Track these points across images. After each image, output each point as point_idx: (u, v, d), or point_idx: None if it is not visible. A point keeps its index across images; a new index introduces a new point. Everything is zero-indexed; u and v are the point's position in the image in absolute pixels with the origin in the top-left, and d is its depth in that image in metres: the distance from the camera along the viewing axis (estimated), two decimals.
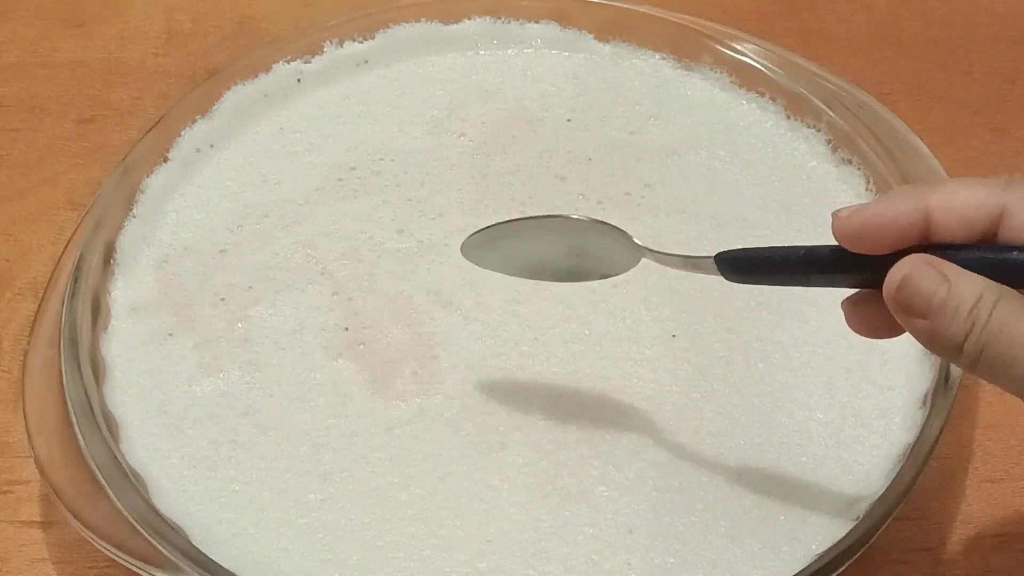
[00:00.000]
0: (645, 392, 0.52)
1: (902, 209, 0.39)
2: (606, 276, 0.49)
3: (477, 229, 0.49)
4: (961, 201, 0.38)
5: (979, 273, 0.38)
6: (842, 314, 0.42)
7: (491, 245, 0.49)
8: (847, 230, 0.40)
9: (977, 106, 0.70)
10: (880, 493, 0.47)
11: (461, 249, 0.50)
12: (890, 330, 0.41)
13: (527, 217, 0.49)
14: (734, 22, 0.69)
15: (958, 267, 0.38)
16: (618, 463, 0.50)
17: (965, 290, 0.38)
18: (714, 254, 0.44)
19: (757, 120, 0.64)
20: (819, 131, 0.62)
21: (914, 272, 0.38)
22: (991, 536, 0.51)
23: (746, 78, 0.65)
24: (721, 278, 0.44)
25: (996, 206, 0.38)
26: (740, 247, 0.44)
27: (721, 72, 0.65)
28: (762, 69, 0.64)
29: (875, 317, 0.41)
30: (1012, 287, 0.38)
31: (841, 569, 0.45)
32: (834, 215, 0.40)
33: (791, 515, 0.48)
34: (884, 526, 0.46)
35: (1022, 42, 0.74)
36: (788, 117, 0.64)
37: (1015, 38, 0.75)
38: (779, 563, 0.46)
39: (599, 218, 0.48)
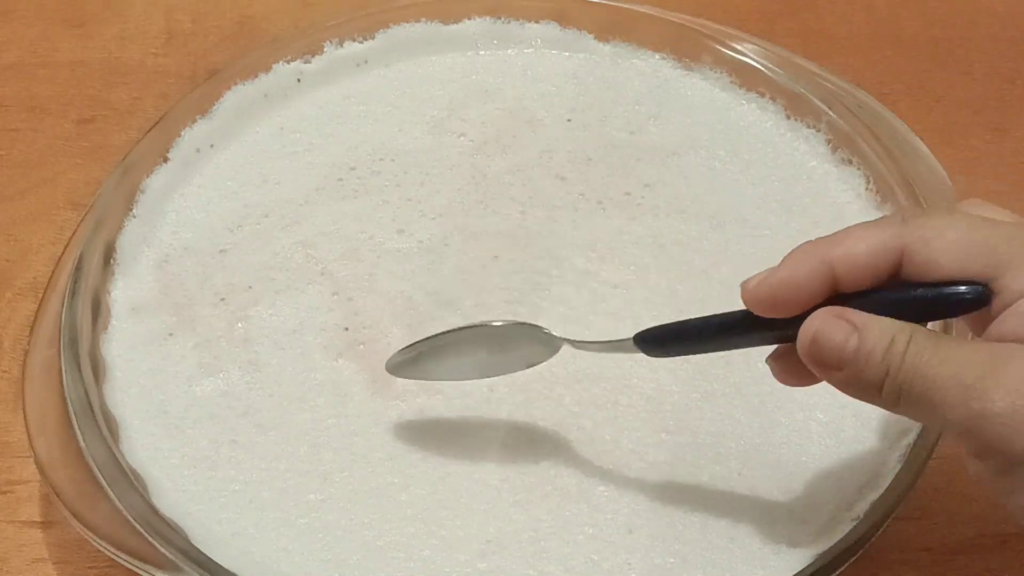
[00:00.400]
0: (645, 392, 0.52)
1: (807, 270, 0.40)
2: (529, 366, 0.49)
3: (399, 350, 0.49)
4: (862, 251, 0.39)
5: (889, 315, 0.39)
6: None
7: (416, 361, 0.50)
8: (757, 299, 0.41)
9: (977, 106, 0.70)
10: (880, 493, 0.47)
11: (386, 367, 0.50)
12: (814, 378, 0.42)
13: (447, 332, 0.49)
14: (734, 22, 0.69)
15: (867, 314, 0.39)
16: (618, 463, 0.50)
17: (876, 335, 0.38)
18: (632, 336, 0.45)
19: (757, 120, 0.64)
20: (819, 131, 0.62)
21: (823, 326, 0.39)
22: (991, 536, 0.51)
23: (746, 78, 0.65)
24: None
25: (896, 248, 0.39)
26: (653, 326, 0.45)
27: (721, 72, 0.66)
28: (762, 69, 0.64)
29: (799, 367, 0.42)
30: (922, 322, 0.39)
31: (841, 569, 0.45)
32: (742, 286, 0.41)
33: (791, 515, 0.48)
34: (884, 526, 0.46)
35: (1022, 42, 0.74)
36: (788, 117, 0.64)
37: (1015, 38, 0.75)
38: (779, 563, 0.46)
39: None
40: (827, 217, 0.59)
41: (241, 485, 0.49)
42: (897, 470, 0.47)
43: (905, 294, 0.39)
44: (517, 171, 0.62)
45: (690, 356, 0.53)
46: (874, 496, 0.47)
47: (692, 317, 0.44)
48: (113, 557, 0.46)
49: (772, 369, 0.43)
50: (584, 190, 0.61)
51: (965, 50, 0.74)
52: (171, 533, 0.46)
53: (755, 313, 0.41)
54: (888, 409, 0.39)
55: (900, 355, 0.38)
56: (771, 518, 0.48)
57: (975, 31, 0.75)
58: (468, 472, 0.49)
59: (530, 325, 0.49)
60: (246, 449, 0.50)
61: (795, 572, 0.45)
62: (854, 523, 0.46)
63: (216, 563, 0.45)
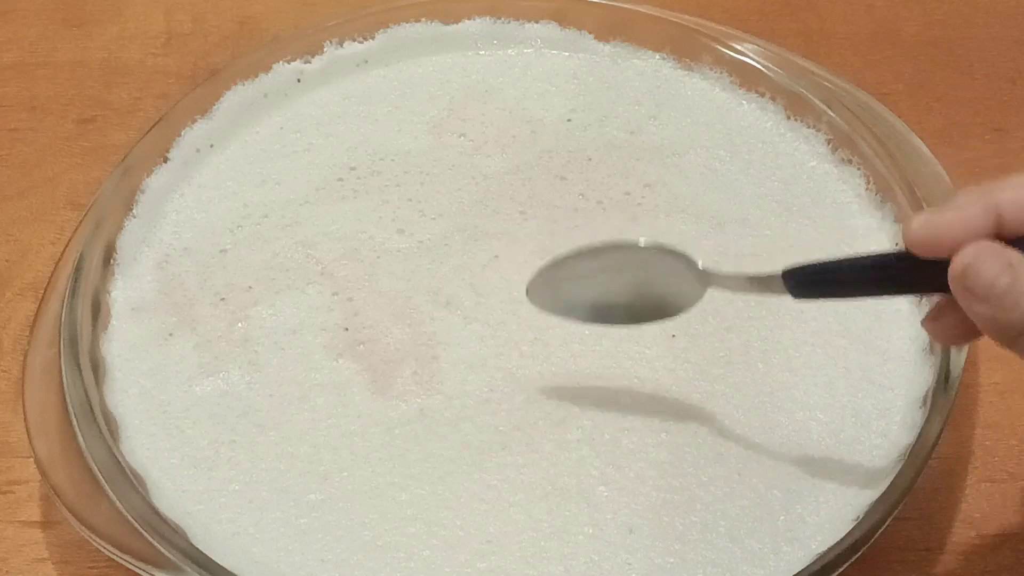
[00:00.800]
0: (645, 392, 0.52)
1: (972, 212, 0.39)
2: (674, 314, 0.48)
3: (539, 269, 0.49)
4: None
5: None
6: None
7: (555, 288, 0.48)
8: (920, 238, 0.40)
9: (977, 106, 0.70)
10: (880, 493, 0.47)
11: (527, 293, 0.49)
12: (970, 335, 0.41)
13: (591, 248, 0.47)
14: (734, 22, 0.69)
15: None
16: (618, 463, 0.50)
17: None
18: (780, 271, 0.44)
19: (757, 120, 0.64)
20: (819, 131, 0.62)
21: (980, 255, 0.38)
22: (991, 536, 0.51)
23: (746, 78, 0.65)
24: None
25: None
26: (804, 262, 0.43)
27: (721, 72, 0.66)
28: (762, 69, 0.64)
29: (959, 325, 0.41)
30: None
31: (841, 569, 0.45)
32: (905, 225, 0.40)
33: (791, 515, 0.48)
34: (884, 526, 0.46)
35: (1022, 42, 0.74)
36: (788, 117, 0.64)
37: (1015, 38, 0.75)
38: (779, 563, 0.46)
39: (657, 240, 0.48)
40: (827, 217, 0.59)
41: (241, 485, 0.49)
42: (897, 470, 0.47)
43: None
44: (517, 171, 0.62)
45: (689, 357, 0.53)
46: (874, 496, 0.47)
47: (844, 257, 0.43)
48: (113, 557, 0.46)
49: (930, 330, 0.42)
50: (584, 190, 0.61)
51: (965, 50, 0.74)
52: (171, 533, 0.46)
53: (914, 253, 0.40)
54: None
55: None
56: (771, 518, 0.48)
57: (975, 31, 0.75)
58: (468, 472, 0.49)
59: (679, 254, 0.47)
60: (246, 449, 0.50)
61: (795, 572, 0.45)
62: (854, 523, 0.46)
63: (216, 563, 0.45)
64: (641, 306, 0.48)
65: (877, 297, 0.43)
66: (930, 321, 0.43)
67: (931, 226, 0.39)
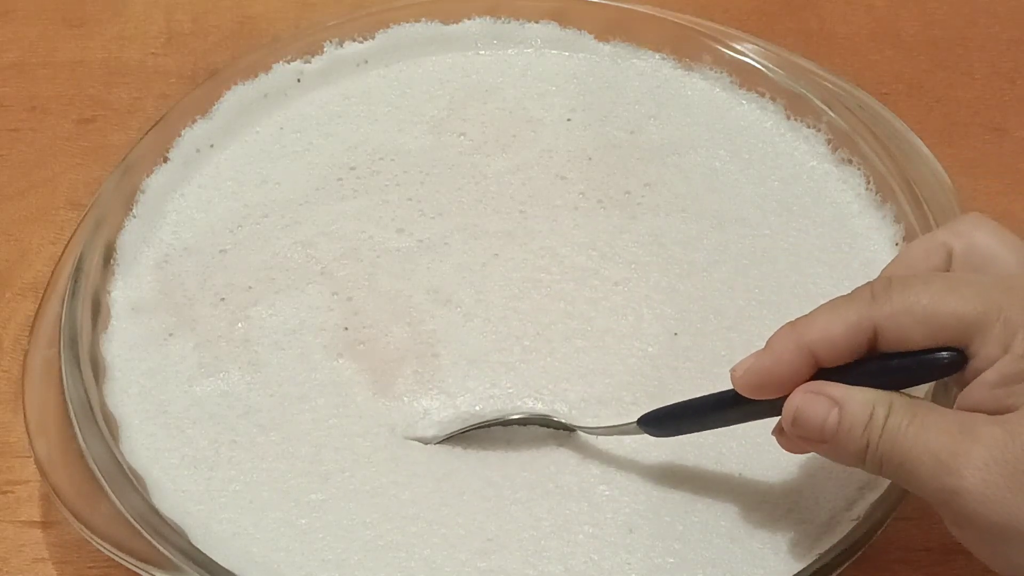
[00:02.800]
0: (647, 390, 0.52)
1: (787, 357, 0.41)
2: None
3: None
4: (837, 333, 0.41)
5: (870, 385, 0.40)
6: None
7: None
8: (746, 385, 0.43)
9: (977, 106, 0.70)
10: (880, 493, 0.47)
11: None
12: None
13: (466, 429, 0.50)
14: (734, 22, 0.69)
15: (847, 387, 0.41)
16: (618, 463, 0.50)
17: (855, 409, 0.40)
18: (636, 420, 0.47)
19: (757, 120, 0.64)
20: (819, 131, 0.62)
21: (803, 404, 0.41)
22: None
23: (746, 78, 0.65)
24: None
25: (868, 327, 0.40)
26: (655, 409, 0.47)
27: (721, 72, 0.66)
28: (762, 69, 0.64)
29: (802, 443, 0.43)
30: (902, 388, 0.41)
31: (841, 569, 0.45)
32: (731, 373, 0.43)
33: (791, 515, 0.48)
34: (884, 526, 0.46)
35: (1022, 42, 0.74)
36: (788, 117, 0.64)
37: (1015, 38, 0.75)
38: (779, 563, 0.46)
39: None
40: (827, 217, 0.59)
41: (241, 485, 0.49)
42: None
43: (883, 364, 0.41)
44: (517, 171, 0.62)
45: (691, 355, 0.53)
46: (874, 496, 0.47)
47: (688, 399, 0.46)
48: (113, 557, 0.46)
49: (778, 441, 0.44)
50: (584, 189, 0.61)
51: (965, 50, 0.74)
52: (171, 533, 0.46)
53: (744, 395, 0.43)
54: (874, 474, 0.41)
55: (879, 428, 0.40)
56: (771, 518, 0.48)
57: (975, 31, 0.75)
58: (469, 471, 0.49)
59: (541, 417, 0.50)
60: (246, 449, 0.50)
61: (795, 572, 0.45)
62: (854, 523, 0.46)
63: (216, 563, 0.45)
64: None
65: (726, 426, 0.47)
66: (776, 433, 0.44)
67: (752, 375, 0.42)
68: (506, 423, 0.50)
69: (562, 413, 0.51)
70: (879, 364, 0.41)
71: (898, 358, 0.40)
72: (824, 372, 0.42)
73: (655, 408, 0.47)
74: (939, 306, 0.39)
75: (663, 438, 0.48)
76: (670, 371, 0.52)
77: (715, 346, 0.53)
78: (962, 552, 0.50)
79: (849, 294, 0.42)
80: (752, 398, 0.43)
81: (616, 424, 0.49)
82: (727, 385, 0.52)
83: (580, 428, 0.50)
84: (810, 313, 0.42)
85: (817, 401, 0.41)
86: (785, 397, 0.42)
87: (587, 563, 0.47)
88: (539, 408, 0.51)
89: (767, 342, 0.42)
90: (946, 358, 0.39)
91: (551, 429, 0.51)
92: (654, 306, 0.55)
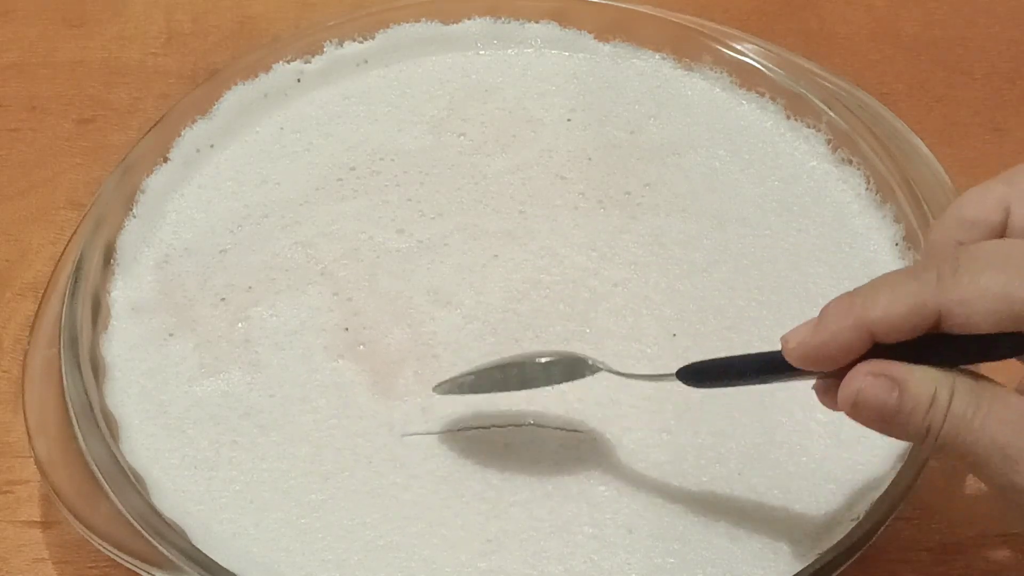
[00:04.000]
0: (646, 392, 0.52)
1: (845, 335, 0.39)
2: (568, 380, 0.49)
3: (446, 380, 0.49)
4: (899, 313, 0.39)
5: (931, 362, 0.39)
6: None
7: (460, 388, 0.49)
8: (797, 359, 0.41)
9: (977, 106, 0.70)
10: (880, 493, 0.47)
11: (433, 390, 0.50)
12: None
13: (493, 365, 0.49)
14: (734, 22, 0.69)
15: (908, 366, 0.39)
16: (618, 463, 0.50)
17: (917, 391, 0.38)
18: (675, 371, 0.45)
19: (757, 120, 0.64)
20: (819, 131, 0.62)
21: (864, 387, 0.39)
22: (991, 536, 0.51)
23: (746, 78, 0.65)
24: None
25: (933, 309, 0.38)
26: (696, 362, 0.45)
27: (721, 72, 0.66)
28: (762, 69, 0.64)
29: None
30: (967, 364, 0.39)
31: (841, 569, 0.45)
32: (782, 343, 0.41)
33: (791, 515, 0.48)
34: (884, 526, 0.46)
35: (1022, 42, 0.74)
36: (788, 117, 0.64)
37: (1015, 38, 0.75)
38: (779, 563, 0.46)
39: (584, 343, 0.50)
40: (827, 217, 0.59)
41: (242, 486, 0.49)
42: (897, 470, 0.47)
43: (946, 344, 0.39)
44: (517, 171, 0.62)
45: (690, 356, 0.53)
46: (874, 496, 0.47)
47: (735, 354, 0.44)
48: (113, 557, 0.46)
49: (819, 398, 0.43)
50: (584, 189, 0.61)
51: (965, 50, 0.74)
52: (171, 533, 0.46)
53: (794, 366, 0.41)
54: (935, 454, 0.40)
55: (942, 413, 0.38)
56: (771, 518, 0.48)
57: (975, 31, 0.75)
58: (469, 472, 0.49)
59: (576, 356, 0.48)
60: (247, 450, 0.50)
61: (795, 572, 0.45)
62: (854, 523, 0.46)
63: (216, 563, 0.45)
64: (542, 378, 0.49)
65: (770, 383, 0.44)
66: (821, 392, 0.43)
67: (806, 349, 0.40)
68: (537, 363, 0.48)
69: (591, 356, 0.48)
70: (942, 344, 0.39)
71: (963, 340, 0.38)
72: (881, 348, 0.39)
73: (695, 363, 0.45)
74: (1014, 292, 0.37)
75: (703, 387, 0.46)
76: (668, 371, 0.52)
77: (714, 346, 0.53)
78: (962, 552, 0.51)
79: (911, 271, 0.40)
80: (802, 368, 0.41)
81: (650, 374, 0.47)
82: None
83: (609, 371, 0.48)
84: (869, 288, 0.40)
85: (878, 383, 0.39)
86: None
87: (587, 563, 0.47)
88: (529, 410, 0.51)
89: (821, 314, 0.40)
90: (1011, 345, 0.38)
91: (550, 429, 0.50)
92: (653, 307, 0.55)
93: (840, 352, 0.40)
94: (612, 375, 0.48)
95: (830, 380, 0.42)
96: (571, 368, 0.48)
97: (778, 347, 0.41)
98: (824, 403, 0.43)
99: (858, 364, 0.40)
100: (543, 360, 0.48)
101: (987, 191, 0.42)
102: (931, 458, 0.41)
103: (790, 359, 0.41)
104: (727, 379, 0.45)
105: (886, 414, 0.39)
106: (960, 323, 0.38)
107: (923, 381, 0.38)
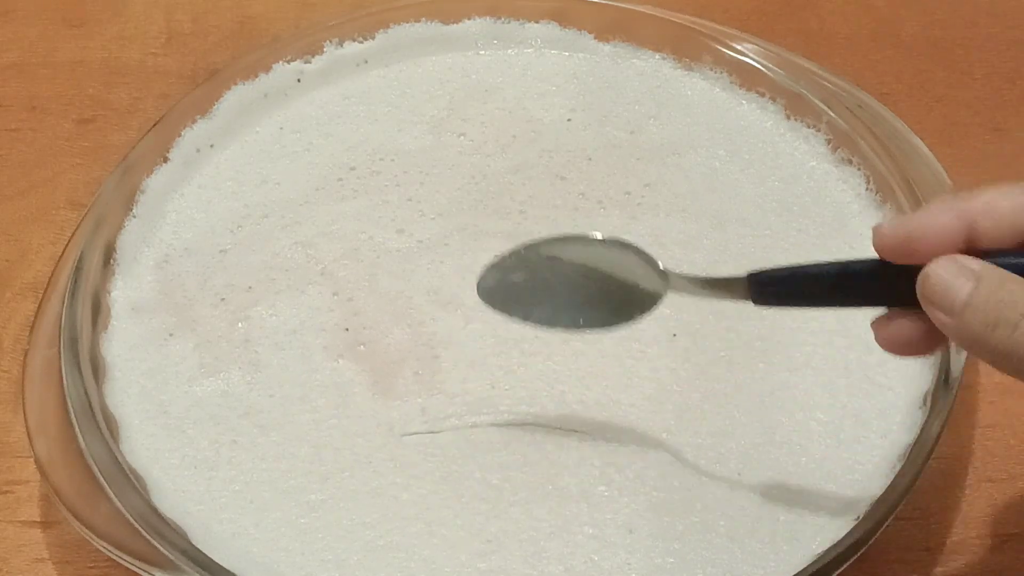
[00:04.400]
0: (646, 392, 0.52)
1: (944, 220, 0.38)
2: (632, 317, 0.46)
3: (489, 266, 0.46)
4: (1005, 207, 0.37)
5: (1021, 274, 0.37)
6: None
7: (509, 289, 0.46)
8: (890, 243, 0.39)
9: (977, 106, 0.70)
10: (880, 493, 0.47)
11: (478, 291, 0.46)
12: (920, 347, 0.40)
13: (547, 240, 0.45)
14: (734, 22, 0.69)
15: (992, 265, 0.37)
16: (618, 463, 0.50)
17: (992, 290, 0.37)
18: (745, 274, 0.42)
19: (757, 120, 0.64)
20: (819, 131, 0.62)
21: (941, 267, 0.38)
22: (991, 536, 0.51)
23: (746, 78, 0.65)
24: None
25: None
26: (769, 267, 0.42)
27: (721, 72, 0.66)
28: (762, 69, 0.64)
29: (906, 335, 0.40)
30: None
31: (841, 569, 0.45)
32: (875, 229, 0.39)
33: (791, 515, 0.48)
34: (884, 526, 0.46)
35: (1022, 42, 0.74)
36: (788, 117, 0.64)
37: (1015, 38, 0.75)
38: (779, 563, 0.46)
39: (615, 233, 0.45)
40: (827, 217, 0.59)
41: (242, 485, 0.49)
42: (897, 470, 0.47)
43: None
44: (517, 171, 0.62)
45: (690, 356, 0.53)
46: (874, 496, 0.47)
47: (810, 262, 0.41)
48: (113, 557, 0.46)
49: (877, 333, 0.41)
50: (584, 190, 0.61)
51: (965, 50, 0.74)
52: (171, 533, 0.46)
53: (883, 257, 0.39)
54: (992, 364, 0.38)
55: (1012, 324, 0.36)
56: (771, 518, 0.48)
57: (975, 31, 0.75)
58: (469, 472, 0.49)
59: (637, 250, 0.44)
60: (247, 450, 0.50)
61: (795, 572, 0.45)
62: (854, 523, 0.46)
63: (216, 563, 0.45)
64: (596, 307, 0.46)
65: (843, 308, 0.42)
66: (878, 324, 0.41)
67: (901, 229, 0.39)
68: (592, 248, 0.44)
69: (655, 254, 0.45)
70: None
71: None
72: (975, 252, 0.38)
73: (768, 268, 0.42)
74: None
75: (770, 305, 0.43)
76: (668, 372, 0.52)
77: (714, 346, 0.53)
78: (962, 552, 0.51)
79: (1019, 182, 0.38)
80: (891, 260, 0.39)
81: (717, 278, 0.44)
82: (724, 382, 0.52)
83: (672, 273, 0.45)
84: (974, 189, 0.38)
85: (957, 269, 0.37)
86: (913, 279, 0.38)
87: (587, 563, 0.47)
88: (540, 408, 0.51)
89: (923, 206, 0.39)
90: None
91: (550, 429, 0.50)
92: None
93: (935, 240, 0.38)
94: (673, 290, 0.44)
95: (893, 314, 0.40)
96: (628, 292, 0.44)
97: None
98: (883, 341, 0.41)
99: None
100: (599, 239, 0.44)
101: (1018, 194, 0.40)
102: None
103: (880, 244, 0.39)
104: (800, 291, 0.42)
105: (956, 303, 0.37)
106: None
107: (1002, 283, 0.37)
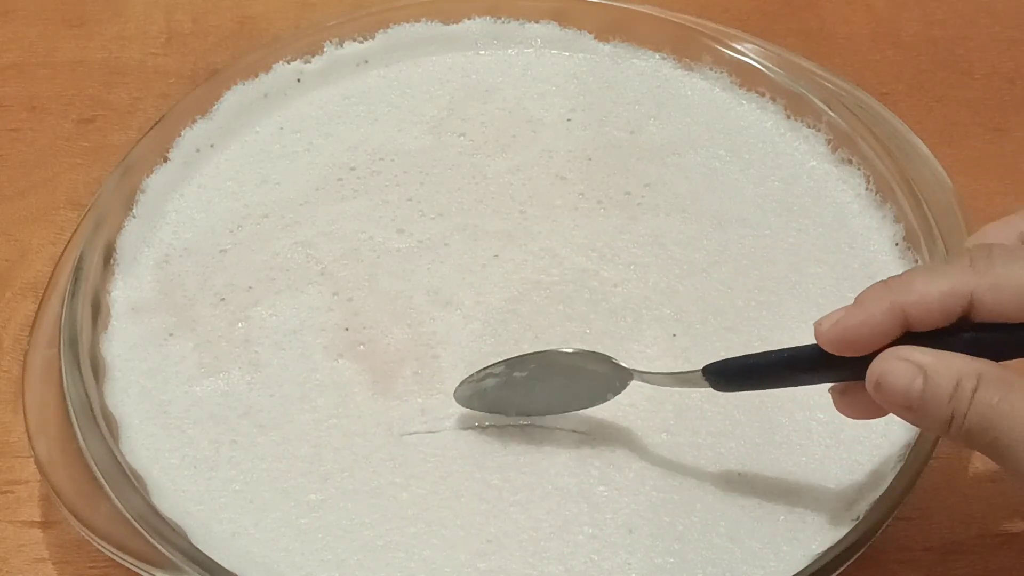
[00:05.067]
0: (645, 392, 0.52)
1: (879, 317, 0.40)
2: (599, 403, 0.50)
3: (466, 379, 0.50)
4: (934, 297, 0.39)
5: (962, 352, 0.39)
6: None
7: (484, 393, 0.50)
8: (830, 340, 0.41)
9: (977, 106, 0.70)
10: (880, 493, 0.47)
11: (455, 397, 0.50)
12: (878, 412, 0.42)
13: (514, 359, 0.49)
14: (734, 22, 0.69)
15: (936, 352, 0.39)
16: (618, 463, 0.50)
17: (942, 377, 0.39)
18: (701, 367, 0.45)
19: (757, 120, 0.64)
20: (819, 131, 0.62)
21: (888, 368, 0.40)
22: (991, 536, 0.51)
23: (746, 78, 0.65)
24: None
25: (966, 294, 0.39)
26: (723, 359, 0.45)
27: (721, 72, 0.66)
28: (762, 69, 0.64)
29: (862, 403, 0.42)
30: (995, 359, 0.39)
31: (841, 569, 0.45)
32: (816, 327, 0.41)
33: (791, 515, 0.48)
34: (884, 526, 0.46)
35: (1022, 42, 0.74)
36: (788, 117, 0.64)
37: (1015, 38, 0.75)
38: (779, 563, 0.46)
39: (584, 344, 0.51)
40: (827, 217, 0.59)
41: (241, 485, 0.49)
42: (897, 470, 0.47)
43: (976, 334, 0.39)
44: (517, 171, 0.62)
45: (689, 356, 0.53)
46: (874, 496, 0.47)
47: (761, 351, 0.44)
48: (113, 557, 0.46)
49: (834, 402, 0.44)
50: (584, 190, 0.61)
51: (965, 50, 0.74)
52: (171, 533, 0.46)
53: (826, 351, 0.41)
54: (963, 445, 0.40)
55: (967, 400, 0.38)
56: (771, 518, 0.48)
57: (975, 31, 0.75)
58: (468, 472, 0.49)
59: (599, 355, 0.49)
60: (246, 449, 0.50)
61: (795, 572, 0.45)
62: (854, 523, 0.46)
63: (216, 563, 0.45)
64: (566, 397, 0.50)
65: (798, 386, 0.45)
66: (837, 392, 0.43)
67: (839, 329, 0.41)
68: (561, 356, 0.49)
69: (619, 357, 0.49)
70: (972, 334, 0.39)
71: (992, 330, 0.39)
72: (912, 336, 0.40)
73: (722, 360, 0.45)
74: None
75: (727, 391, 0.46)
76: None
77: (713, 347, 0.53)
78: (962, 552, 0.51)
79: (945, 260, 0.41)
80: (833, 352, 0.41)
81: (677, 372, 0.48)
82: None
83: (637, 372, 0.48)
84: (905, 274, 0.41)
85: (903, 367, 0.39)
86: (863, 359, 0.40)
87: (587, 563, 0.47)
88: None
89: (857, 299, 0.41)
90: None
91: (550, 429, 0.50)
92: (652, 307, 0.55)
93: (873, 335, 0.40)
94: (641, 383, 0.48)
95: (848, 384, 0.42)
96: (597, 384, 0.49)
97: (801, 342, 0.42)
98: (840, 408, 0.43)
99: (886, 349, 0.40)
100: (567, 351, 0.49)
101: (1008, 224, 0.43)
102: (960, 447, 0.40)
103: (822, 341, 0.41)
104: (755, 377, 0.45)
105: (911, 399, 0.39)
106: (990, 309, 0.38)
107: (948, 368, 0.39)
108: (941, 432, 0.40)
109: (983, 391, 0.38)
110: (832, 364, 0.42)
